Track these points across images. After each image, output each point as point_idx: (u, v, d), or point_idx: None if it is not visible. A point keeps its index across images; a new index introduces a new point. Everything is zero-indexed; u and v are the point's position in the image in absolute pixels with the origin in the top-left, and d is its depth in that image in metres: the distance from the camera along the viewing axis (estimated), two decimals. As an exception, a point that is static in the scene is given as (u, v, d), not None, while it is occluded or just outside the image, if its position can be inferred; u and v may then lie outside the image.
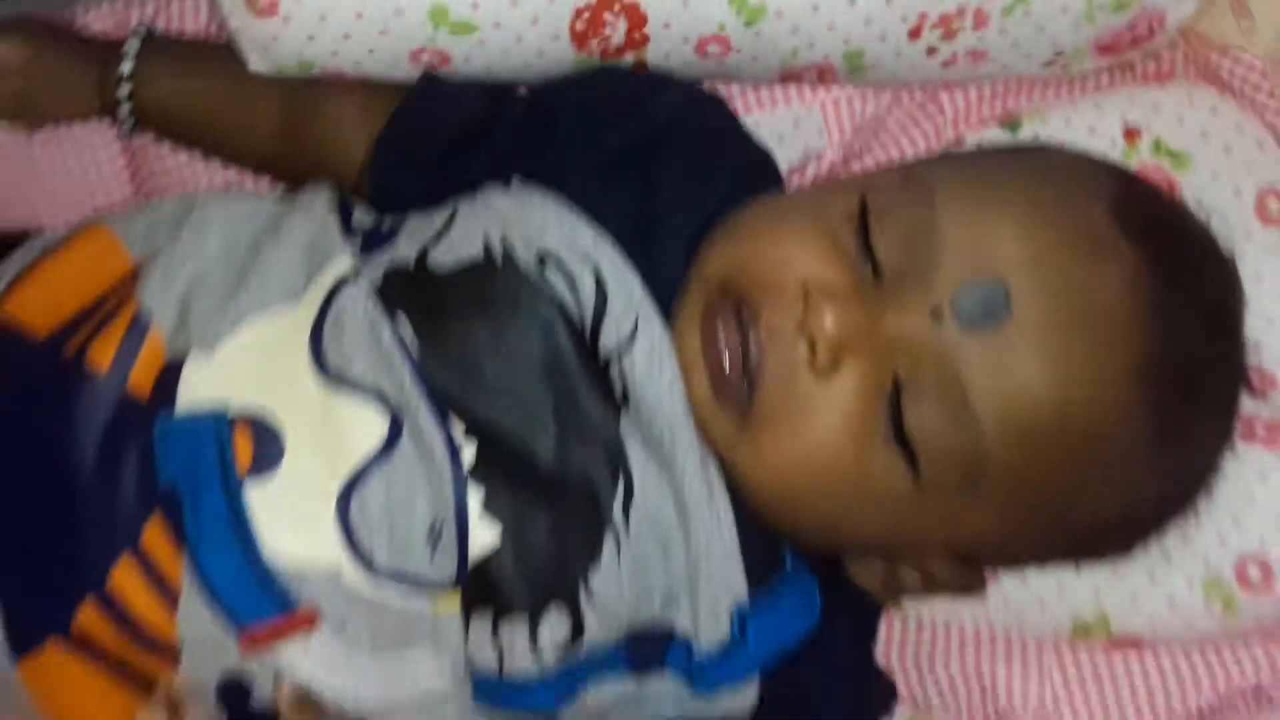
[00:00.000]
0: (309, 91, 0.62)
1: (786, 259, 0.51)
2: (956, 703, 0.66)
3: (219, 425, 0.52)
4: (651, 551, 0.53)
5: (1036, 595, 0.64)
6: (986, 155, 0.60)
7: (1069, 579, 0.64)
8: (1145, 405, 0.51)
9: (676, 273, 0.55)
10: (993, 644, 0.66)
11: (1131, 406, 0.51)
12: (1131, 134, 0.65)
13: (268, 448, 0.52)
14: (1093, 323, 0.50)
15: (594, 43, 0.57)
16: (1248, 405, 0.61)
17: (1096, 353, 0.50)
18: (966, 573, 0.58)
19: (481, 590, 0.52)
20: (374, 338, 0.52)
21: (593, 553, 0.52)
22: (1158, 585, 0.63)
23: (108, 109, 0.64)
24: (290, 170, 0.64)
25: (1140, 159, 0.64)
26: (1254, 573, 0.62)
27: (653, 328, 0.53)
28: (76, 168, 0.68)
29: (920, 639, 0.67)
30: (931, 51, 0.60)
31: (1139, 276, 0.50)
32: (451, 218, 0.56)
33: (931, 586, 0.58)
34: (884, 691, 0.61)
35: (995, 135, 0.63)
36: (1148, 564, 0.63)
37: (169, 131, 0.65)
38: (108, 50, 0.64)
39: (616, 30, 0.57)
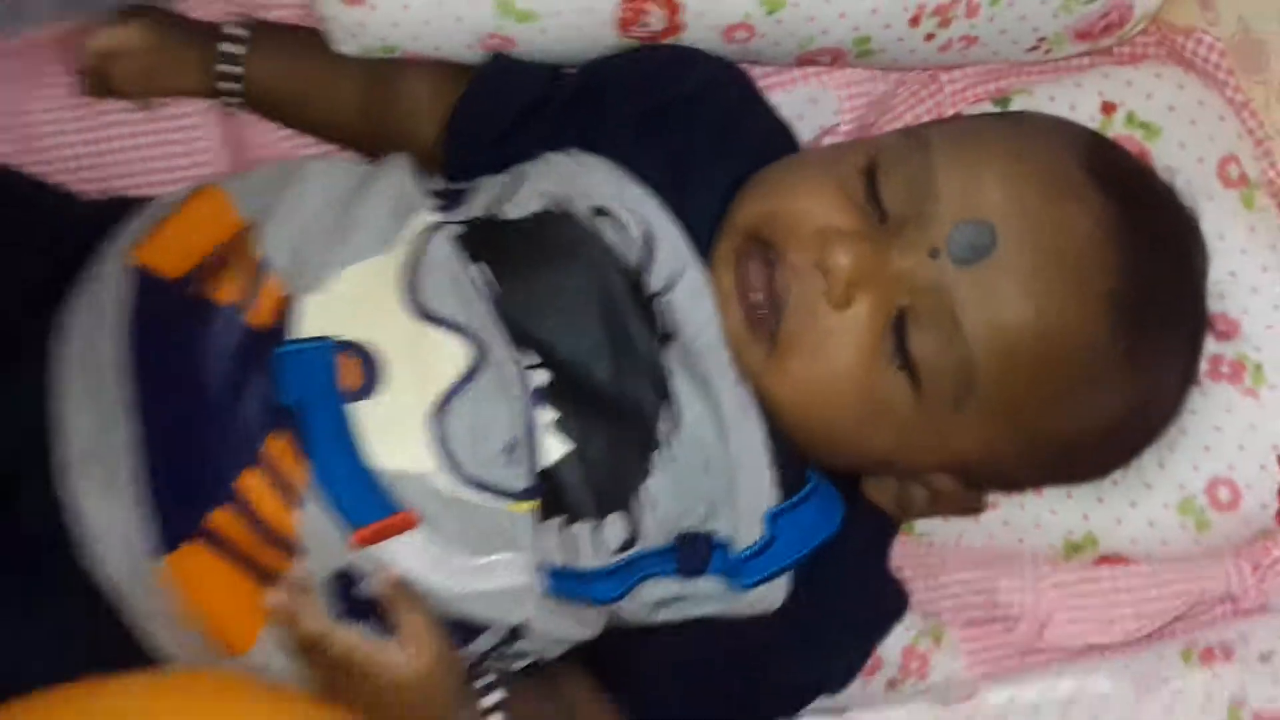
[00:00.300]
0: (389, 71, 0.70)
1: (806, 208, 0.59)
2: (964, 608, 0.72)
3: (329, 353, 0.58)
4: (695, 466, 0.60)
5: (1033, 518, 0.72)
6: (976, 119, 0.68)
7: (1061, 504, 0.71)
8: (1113, 329, 0.58)
9: (711, 223, 0.62)
10: (994, 560, 0.72)
11: (1101, 330, 0.58)
12: (1108, 108, 0.72)
13: (371, 373, 0.59)
14: (1066, 257, 0.58)
15: (635, 29, 0.65)
16: (1214, 347, 0.70)
17: (1069, 282, 0.58)
18: (967, 493, 0.64)
19: (553, 498, 0.59)
20: (456, 280, 0.60)
21: (645, 467, 0.60)
22: (1139, 509, 0.70)
23: (214, 87, 0.71)
24: (371, 144, 0.71)
25: (1115, 130, 0.71)
26: (1223, 494, 0.69)
27: (692, 270, 0.60)
28: (181, 140, 0.73)
29: (930, 554, 0.74)
30: (929, 37, 0.68)
31: (1107, 218, 0.57)
32: (518, 179, 0.63)
33: (937, 504, 0.65)
34: (897, 597, 0.68)
35: (987, 110, 0.70)
36: (1129, 490, 0.70)
37: (265, 108, 0.73)
38: (215, 34, 0.71)
39: (656, 18, 0.64)
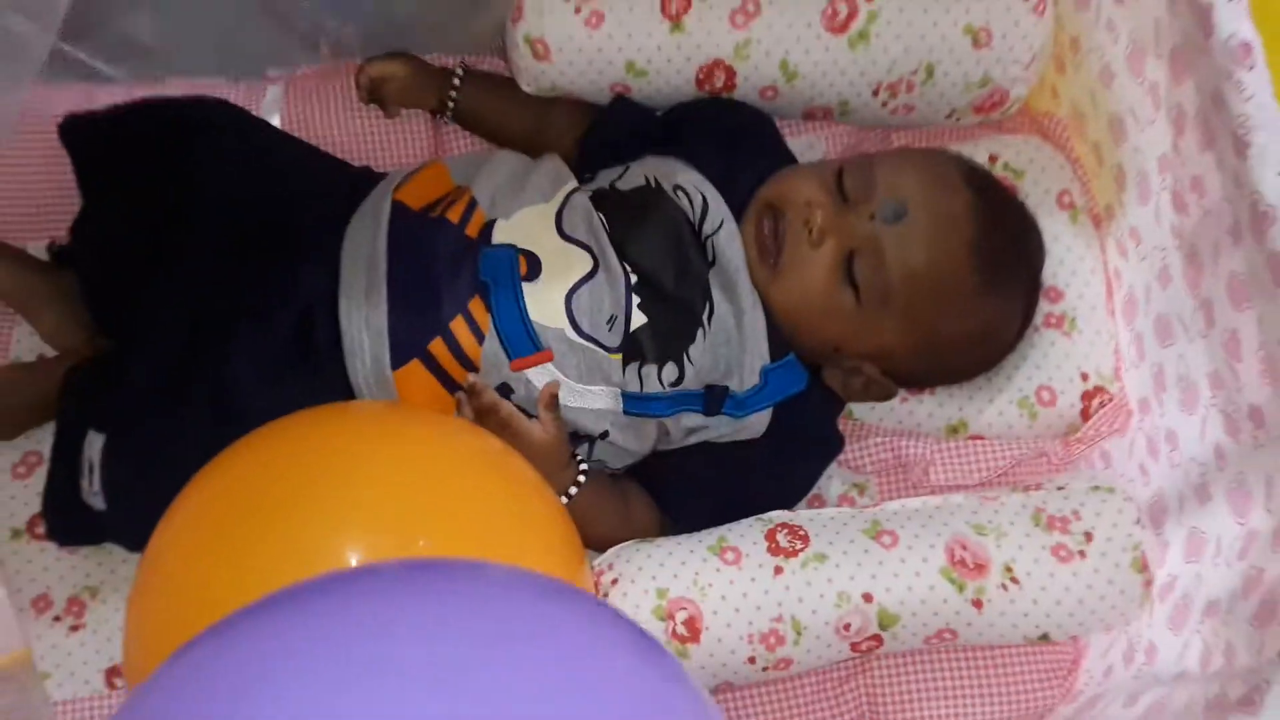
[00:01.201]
0: (548, 103, 0.95)
1: (799, 190, 0.84)
2: (879, 463, 0.94)
3: (512, 254, 0.82)
4: (720, 339, 0.84)
5: (927, 410, 0.94)
6: (903, 148, 0.94)
7: (945, 401, 0.93)
8: (974, 267, 0.81)
9: (743, 199, 0.86)
10: (902, 435, 0.94)
11: (965, 265, 0.81)
12: (992, 159, 0.96)
13: (534, 267, 0.82)
14: (947, 222, 0.81)
15: (706, 87, 0.93)
16: (1047, 306, 0.92)
17: (948, 236, 0.81)
18: (885, 381, 0.87)
19: (633, 350, 0.83)
20: (587, 219, 0.84)
21: (691, 337, 0.83)
22: (993, 404, 0.93)
23: (437, 106, 0.98)
24: (531, 149, 0.93)
25: (997, 172, 0.94)
26: (1045, 396, 0.92)
27: (729, 223, 0.85)
28: (407, 135, 0.99)
29: (860, 430, 0.95)
30: (884, 104, 0.95)
31: (971, 201, 0.82)
32: (626, 169, 0.89)
33: (867, 390, 0.87)
34: (838, 439, 0.91)
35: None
36: (989, 392, 0.93)
37: (467, 122, 0.99)
38: (446, 72, 0.97)
39: (719, 82, 0.93)
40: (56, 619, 0.87)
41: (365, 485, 0.68)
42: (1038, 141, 0.97)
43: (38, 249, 0.95)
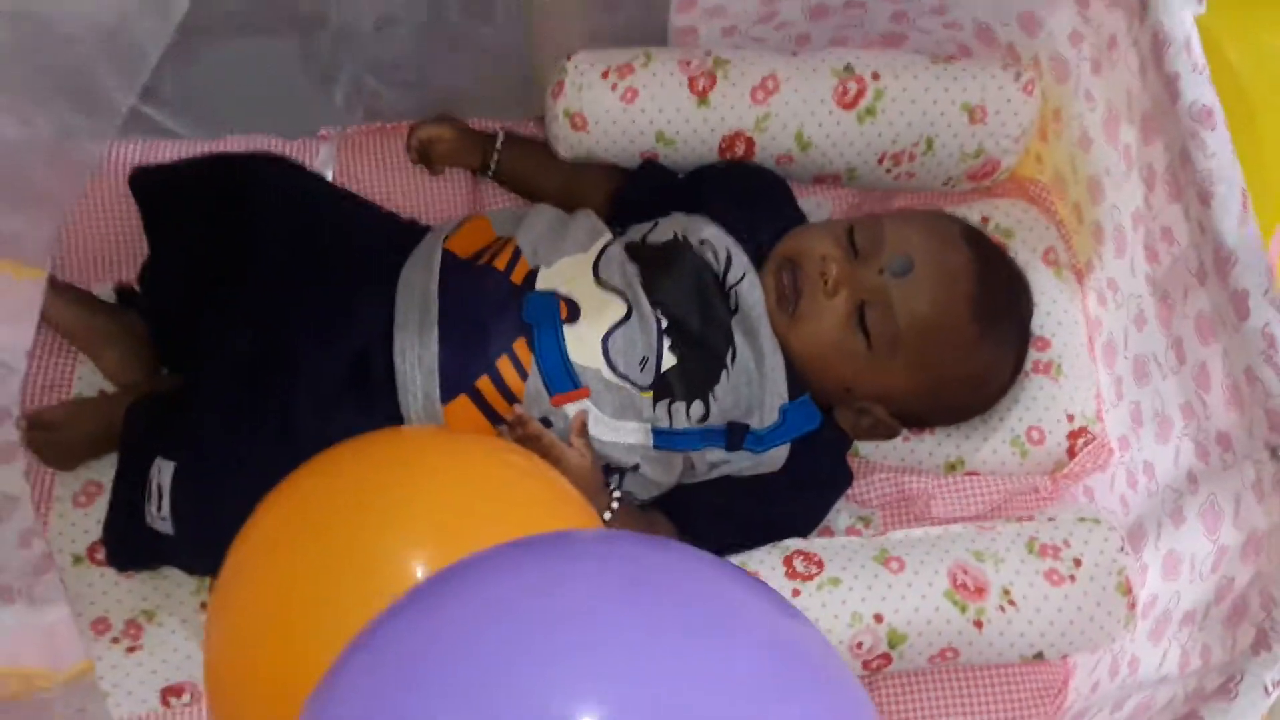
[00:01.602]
0: (581, 167, 1.02)
1: (815, 245, 0.90)
2: (883, 496, 1.00)
3: (553, 299, 0.88)
4: (742, 380, 0.89)
5: (928, 448, 1.00)
6: (907, 209, 1.01)
7: (943, 440, 0.99)
8: (973, 317, 0.88)
9: (763, 252, 0.93)
10: (905, 471, 1.00)
11: (965, 316, 0.88)
12: (984, 220, 1.03)
13: (573, 312, 0.88)
14: (948, 276, 0.88)
15: (727, 154, 1.01)
16: (1035, 354, 0.98)
17: (949, 290, 0.88)
18: (891, 421, 0.93)
19: (663, 389, 0.88)
20: (622, 268, 0.90)
21: (716, 377, 0.89)
22: (988, 443, 0.99)
23: (480, 167, 1.04)
24: (565, 205, 0.98)
25: (989, 233, 1.00)
26: (1035, 435, 0.98)
27: (752, 275, 0.91)
28: (449, 191, 1.05)
29: (867, 469, 1.00)
30: (888, 171, 1.03)
31: (970, 259, 0.88)
32: (655, 224, 0.95)
33: (874, 429, 0.93)
34: (847, 473, 0.96)
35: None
36: (984, 431, 0.99)
37: (506, 181, 1.05)
38: (488, 135, 1.04)
39: (740, 150, 1.01)
40: (115, 640, 0.90)
41: (430, 499, 0.73)
42: (1024, 204, 1.05)
43: (103, 290, 0.99)
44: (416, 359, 0.86)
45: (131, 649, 0.90)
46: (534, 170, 1.04)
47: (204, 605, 0.91)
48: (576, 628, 0.48)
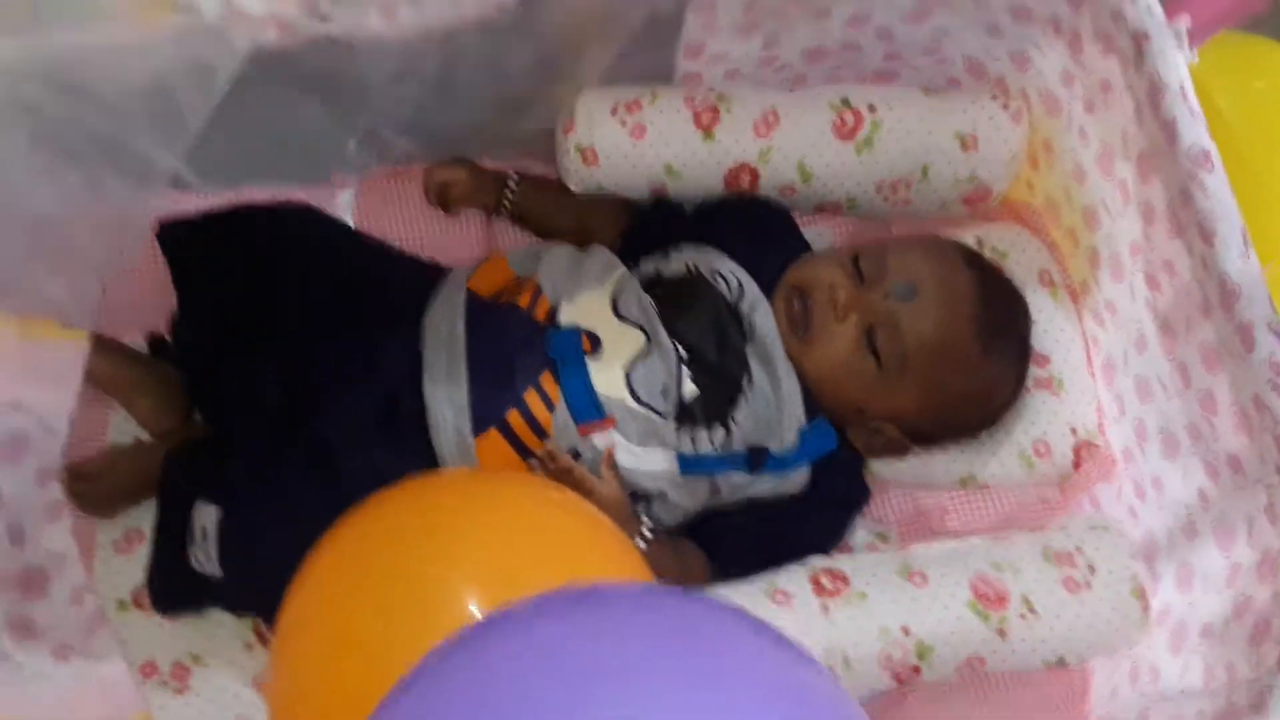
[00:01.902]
0: (593, 201, 1.04)
1: (823, 273, 0.93)
2: (899, 512, 1.03)
3: (576, 334, 0.90)
4: (760, 405, 0.92)
5: (942, 465, 1.02)
6: (910, 235, 1.04)
7: (955, 456, 1.01)
8: (976, 335, 0.91)
9: (771, 281, 0.95)
10: (918, 488, 1.03)
11: (969, 335, 0.91)
12: (979, 243, 1.04)
13: (595, 345, 0.90)
14: (951, 298, 0.91)
15: (733, 185, 1.03)
16: (1036, 371, 1.01)
17: (953, 311, 0.90)
18: (902, 439, 0.95)
19: (685, 416, 0.91)
20: (639, 301, 0.93)
21: (735, 403, 0.92)
22: (996, 457, 1.01)
23: (494, 206, 1.06)
24: (577, 241, 1.01)
25: (986, 252, 1.02)
26: (1040, 448, 1.01)
27: (764, 303, 0.94)
28: (464, 231, 1.07)
29: (881, 487, 1.02)
30: (885, 200, 1.06)
31: (972, 281, 0.92)
32: (667, 257, 0.98)
33: (886, 447, 0.96)
34: (865, 490, 0.99)
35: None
36: (993, 448, 1.01)
37: (520, 219, 1.07)
38: (498, 176, 1.06)
39: (744, 181, 1.04)
40: (163, 683, 0.91)
41: (478, 539, 0.75)
42: (1017, 228, 1.09)
43: (133, 338, 1.01)
44: (447, 397, 0.89)
45: (179, 690, 0.91)
46: (547, 208, 1.07)
47: (248, 646, 0.93)
48: (610, 679, 0.51)
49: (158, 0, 0.83)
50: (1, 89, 0.84)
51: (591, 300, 0.95)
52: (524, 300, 0.94)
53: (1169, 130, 0.83)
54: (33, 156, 0.89)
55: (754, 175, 1.04)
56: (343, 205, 1.06)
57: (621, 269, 0.98)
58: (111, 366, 0.97)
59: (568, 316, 0.93)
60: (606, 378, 0.90)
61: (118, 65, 0.84)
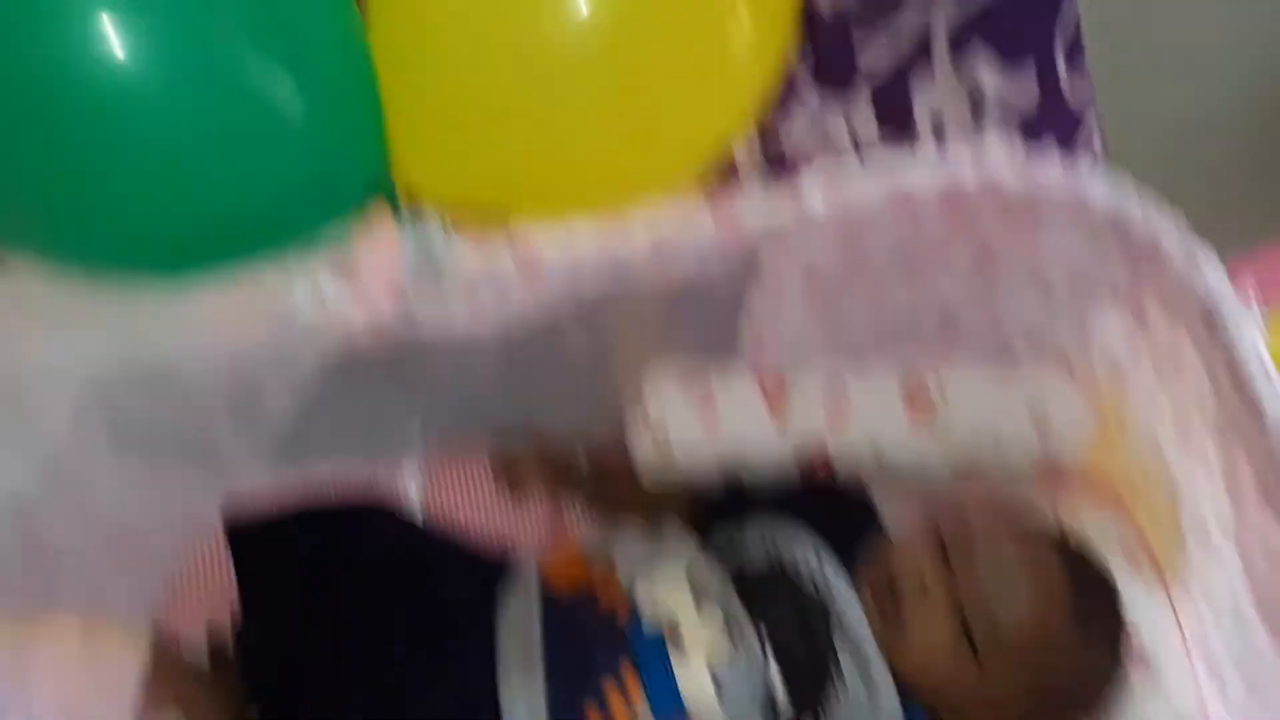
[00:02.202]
0: (648, 492, 1.05)
1: (908, 558, 0.89)
2: None
3: (659, 634, 0.88)
4: (856, 701, 0.88)
5: None
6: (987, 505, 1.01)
7: None
8: (1072, 621, 0.87)
9: (853, 566, 0.92)
10: None
11: (1065, 620, 0.87)
12: (1056, 519, 1.04)
13: (677, 641, 0.88)
14: (1043, 580, 0.88)
15: (806, 466, 1.04)
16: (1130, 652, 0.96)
17: (1047, 593, 0.87)
18: None
19: (774, 715, 0.88)
20: (722, 590, 0.91)
21: (827, 697, 0.88)
22: None
23: (563, 489, 1.06)
24: (647, 518, 1.03)
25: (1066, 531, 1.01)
26: None
27: (849, 591, 0.92)
28: (532, 518, 1.08)
29: None
30: (955, 475, 1.07)
31: (1061, 562, 0.89)
32: (745, 541, 0.97)
33: None
34: None
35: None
36: None
37: (590, 500, 1.07)
38: (567, 460, 1.05)
39: (818, 461, 1.04)
40: None
41: None
42: (1095, 503, 1.07)
43: (196, 627, 0.98)
44: (526, 706, 0.87)
45: None
46: (618, 492, 1.07)
47: None
48: None
49: (251, 308, 0.85)
50: (91, 394, 0.85)
51: (670, 590, 0.93)
52: (602, 594, 0.93)
53: (1253, 407, 0.83)
54: (112, 456, 0.89)
55: (828, 463, 1.03)
56: (409, 483, 1.06)
57: (698, 554, 0.96)
58: (170, 684, 0.94)
59: (647, 609, 0.91)
60: (692, 680, 0.88)
61: (209, 371, 0.85)
